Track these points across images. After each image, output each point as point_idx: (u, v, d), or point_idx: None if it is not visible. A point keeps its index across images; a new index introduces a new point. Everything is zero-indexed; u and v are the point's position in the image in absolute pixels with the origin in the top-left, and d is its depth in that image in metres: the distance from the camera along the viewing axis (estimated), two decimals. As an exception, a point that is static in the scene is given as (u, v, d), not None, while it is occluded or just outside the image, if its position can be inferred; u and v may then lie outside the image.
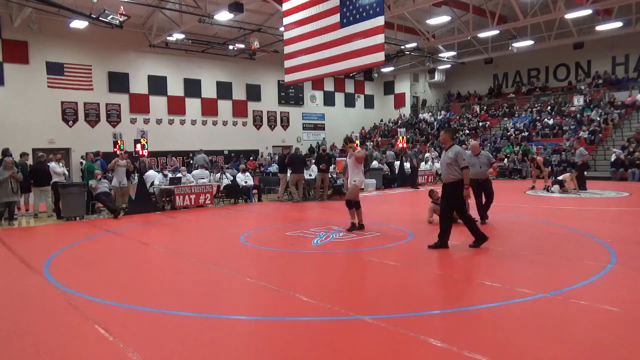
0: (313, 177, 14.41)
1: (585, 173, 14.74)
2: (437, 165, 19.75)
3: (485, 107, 29.12)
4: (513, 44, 22.77)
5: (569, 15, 18.72)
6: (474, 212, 8.56)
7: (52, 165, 11.86)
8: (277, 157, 18.69)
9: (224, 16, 16.79)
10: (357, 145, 8.23)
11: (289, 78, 11.41)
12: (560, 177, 14.01)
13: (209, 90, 24.36)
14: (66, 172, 12.53)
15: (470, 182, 8.12)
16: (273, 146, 26.77)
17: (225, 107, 25.02)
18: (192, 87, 23.73)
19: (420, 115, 31.17)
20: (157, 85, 22.56)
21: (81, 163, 19.77)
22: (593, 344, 3.38)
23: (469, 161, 8.32)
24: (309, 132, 28.97)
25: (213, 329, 3.89)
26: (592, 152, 19.36)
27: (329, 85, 29.77)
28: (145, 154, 12.62)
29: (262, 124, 26.73)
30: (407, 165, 17.91)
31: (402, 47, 23.20)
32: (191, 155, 21.45)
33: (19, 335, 3.85)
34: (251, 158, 22.76)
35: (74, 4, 15.50)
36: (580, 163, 14.27)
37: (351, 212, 8.22)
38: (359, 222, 8.25)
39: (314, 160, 14.99)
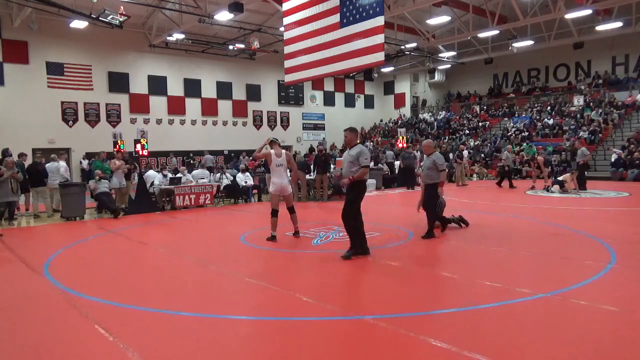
0: (313, 177, 14.42)
1: (586, 173, 14.76)
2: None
3: (485, 107, 29.13)
4: (513, 44, 22.79)
5: (569, 15, 18.73)
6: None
7: (62, 164, 11.88)
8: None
9: (224, 16, 16.80)
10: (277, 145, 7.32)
11: (289, 78, 11.40)
12: (560, 178, 14.01)
13: (209, 90, 24.38)
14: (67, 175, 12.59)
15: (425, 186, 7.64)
16: (273, 146, 26.74)
17: (225, 107, 25.04)
18: (192, 87, 23.75)
19: (420, 115, 31.18)
20: (157, 85, 22.58)
21: (81, 162, 19.81)
22: (593, 344, 3.38)
23: (423, 163, 7.98)
24: (309, 132, 28.98)
25: (213, 329, 3.89)
26: (592, 152, 19.36)
27: (329, 85, 29.79)
28: (146, 153, 12.63)
29: (262, 124, 26.75)
30: (396, 164, 17.91)
31: (402, 47, 23.22)
32: (178, 156, 21.36)
33: (19, 335, 3.85)
34: (251, 158, 22.73)
35: (74, 4, 15.51)
36: (582, 163, 14.28)
37: (272, 222, 7.46)
38: (295, 229, 7.72)
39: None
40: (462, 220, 8.25)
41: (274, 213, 7.47)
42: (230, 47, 21.74)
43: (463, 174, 17.99)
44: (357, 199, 6.25)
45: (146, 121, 21.88)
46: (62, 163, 12.28)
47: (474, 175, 20.80)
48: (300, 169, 13.53)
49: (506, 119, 26.72)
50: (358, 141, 6.47)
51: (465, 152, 20.69)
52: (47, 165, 11.86)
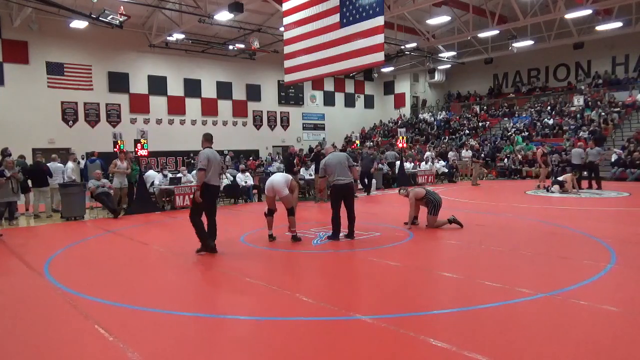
0: (312, 177, 14.43)
1: (585, 173, 14.78)
2: (437, 165, 19.76)
3: (485, 107, 29.13)
4: (513, 44, 22.78)
5: (569, 15, 18.73)
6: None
7: (70, 165, 11.83)
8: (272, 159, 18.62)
9: (224, 16, 16.80)
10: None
11: (288, 78, 11.41)
12: (560, 178, 13.99)
13: (209, 90, 24.38)
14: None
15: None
16: (273, 146, 26.80)
17: (225, 107, 25.05)
18: (192, 87, 23.75)
19: (420, 115, 31.18)
20: (157, 85, 22.59)
21: (78, 163, 19.75)
22: (593, 344, 3.38)
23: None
24: (309, 132, 29.00)
25: (213, 329, 3.89)
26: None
27: (329, 85, 29.80)
28: (145, 153, 12.60)
29: (262, 124, 26.76)
30: (397, 164, 17.77)
31: (402, 47, 23.22)
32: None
33: (19, 335, 3.85)
34: (251, 158, 22.73)
35: (74, 4, 15.52)
36: (598, 162, 14.39)
37: (267, 221, 7.52)
38: (291, 233, 7.49)
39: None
40: (456, 221, 8.20)
41: (268, 212, 7.51)
42: (230, 47, 21.74)
43: (477, 174, 17.94)
44: (203, 201, 6.56)
45: (146, 121, 21.88)
46: (70, 164, 12.16)
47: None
48: (286, 166, 13.43)
49: (506, 119, 26.72)
50: (210, 145, 6.76)
51: (470, 152, 20.67)
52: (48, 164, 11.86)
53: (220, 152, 22.93)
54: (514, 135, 23.90)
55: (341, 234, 7.51)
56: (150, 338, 3.69)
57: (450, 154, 21.21)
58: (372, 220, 9.05)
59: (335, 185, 7.31)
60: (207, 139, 6.87)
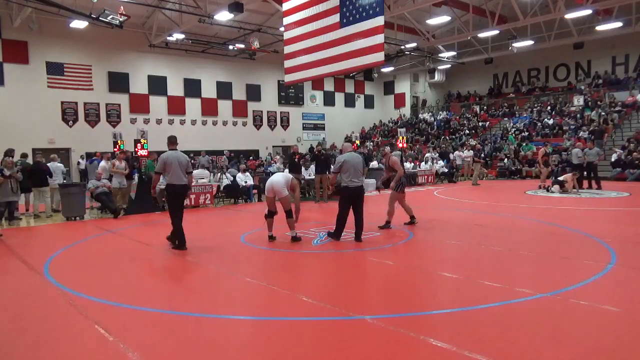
0: (312, 177, 14.41)
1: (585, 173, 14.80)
2: (437, 165, 19.77)
3: (485, 107, 29.12)
4: (513, 44, 22.78)
5: (569, 15, 18.74)
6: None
7: (102, 164, 11.71)
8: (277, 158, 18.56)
9: (224, 16, 16.81)
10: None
11: (289, 78, 11.41)
12: (561, 178, 14.00)
13: (209, 90, 24.39)
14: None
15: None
16: (273, 146, 26.80)
17: (225, 107, 25.05)
18: (192, 87, 23.76)
19: (420, 115, 31.18)
20: (157, 85, 22.59)
21: (78, 163, 19.78)
22: (593, 344, 3.38)
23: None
24: (309, 132, 29.00)
25: (213, 329, 3.89)
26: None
27: (329, 85, 29.80)
28: (145, 153, 12.61)
29: (262, 124, 26.76)
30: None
31: (402, 47, 23.23)
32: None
33: (19, 334, 3.85)
34: (251, 158, 22.74)
35: (74, 4, 15.52)
36: (596, 163, 14.46)
37: (267, 222, 7.53)
38: (291, 235, 7.44)
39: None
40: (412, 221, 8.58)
41: (268, 214, 7.50)
42: (230, 47, 21.74)
43: (478, 174, 17.91)
44: (169, 203, 7.10)
45: (146, 121, 21.88)
46: (103, 164, 11.82)
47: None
48: (291, 169, 13.35)
49: (506, 119, 26.72)
50: (174, 147, 7.20)
51: (471, 152, 20.66)
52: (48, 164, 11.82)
53: (220, 152, 23.21)
54: (514, 135, 23.90)
55: (343, 233, 7.50)
56: (150, 338, 3.69)
57: (456, 153, 21.13)
58: (372, 220, 9.04)
59: (349, 187, 7.20)
60: (171, 142, 7.20)
